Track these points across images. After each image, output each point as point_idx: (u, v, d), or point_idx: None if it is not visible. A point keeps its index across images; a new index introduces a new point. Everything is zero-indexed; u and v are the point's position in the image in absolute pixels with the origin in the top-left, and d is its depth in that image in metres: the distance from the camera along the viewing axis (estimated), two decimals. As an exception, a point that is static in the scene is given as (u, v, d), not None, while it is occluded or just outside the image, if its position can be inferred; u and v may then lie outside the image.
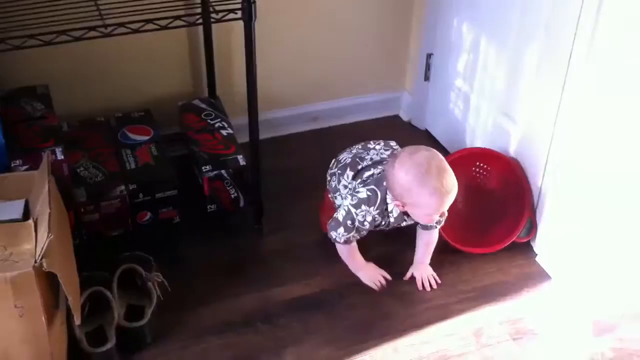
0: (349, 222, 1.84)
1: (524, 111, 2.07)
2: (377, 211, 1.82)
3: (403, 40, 2.60)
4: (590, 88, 1.77)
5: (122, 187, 1.92)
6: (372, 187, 1.83)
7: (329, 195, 2.01)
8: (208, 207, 2.07)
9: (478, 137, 2.31)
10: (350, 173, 1.90)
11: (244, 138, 2.06)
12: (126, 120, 2.18)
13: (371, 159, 1.90)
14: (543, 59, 1.94)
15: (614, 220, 1.80)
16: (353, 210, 1.82)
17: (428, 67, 2.52)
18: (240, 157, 2.08)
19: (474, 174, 2.17)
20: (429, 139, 2.57)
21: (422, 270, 1.97)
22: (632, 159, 1.72)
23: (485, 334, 1.82)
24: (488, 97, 2.23)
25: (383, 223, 1.86)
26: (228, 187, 2.06)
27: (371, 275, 1.94)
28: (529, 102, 2.03)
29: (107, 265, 1.84)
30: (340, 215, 1.85)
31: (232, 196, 2.08)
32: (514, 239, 2.06)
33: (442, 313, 1.88)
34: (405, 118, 2.72)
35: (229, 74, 2.38)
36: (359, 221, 1.83)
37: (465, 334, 1.82)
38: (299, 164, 2.43)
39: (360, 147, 1.97)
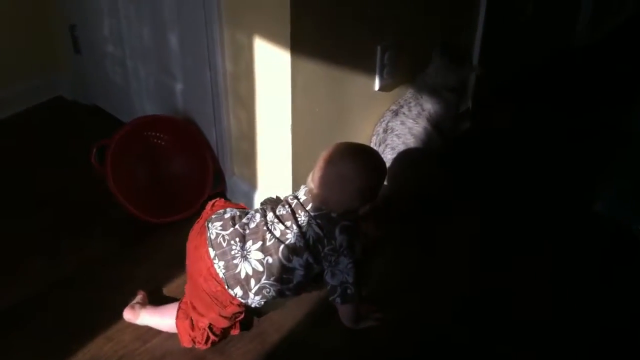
0: (362, 266, 1.59)
1: (180, 65, 2.02)
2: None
3: (41, 16, 2.37)
4: (235, 32, 1.78)
5: None
6: (343, 226, 1.55)
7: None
8: None
9: (146, 100, 2.22)
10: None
11: None
12: None
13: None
14: (182, 8, 1.89)
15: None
16: (356, 255, 1.56)
17: (75, 39, 2.35)
18: None
19: (151, 142, 2.07)
20: (98, 114, 2.43)
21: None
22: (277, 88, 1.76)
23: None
24: (142, 58, 2.14)
25: None
26: None
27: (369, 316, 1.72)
28: (182, 54, 1.99)
29: None
30: (353, 272, 1.56)
31: None
32: (207, 195, 2.03)
33: (149, 288, 1.80)
34: (69, 97, 2.53)
35: None
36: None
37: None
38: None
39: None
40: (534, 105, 2.51)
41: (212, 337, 1.63)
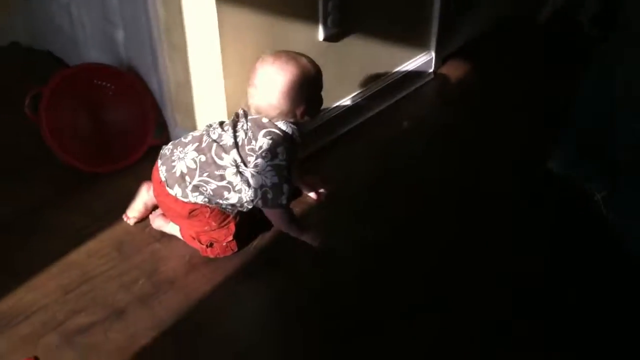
0: (285, 172, 1.59)
1: (119, 12, 1.96)
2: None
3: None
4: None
5: None
6: (269, 130, 1.58)
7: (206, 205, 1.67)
8: None
9: (91, 48, 2.17)
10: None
11: None
12: None
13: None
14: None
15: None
16: (277, 159, 1.58)
17: (24, -17, 2.30)
18: None
19: (89, 90, 2.03)
20: (51, 60, 2.38)
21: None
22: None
23: (127, 245, 1.78)
24: (86, 5, 2.09)
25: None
26: None
27: (315, 234, 1.74)
28: (121, 1, 1.93)
29: None
30: (271, 175, 1.57)
31: None
32: (147, 145, 2.00)
33: (80, 239, 1.79)
34: (24, 43, 2.48)
35: None
36: (287, 169, 1.60)
37: (107, 251, 1.76)
38: None
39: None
40: (491, 63, 2.44)
41: (213, 250, 1.74)
